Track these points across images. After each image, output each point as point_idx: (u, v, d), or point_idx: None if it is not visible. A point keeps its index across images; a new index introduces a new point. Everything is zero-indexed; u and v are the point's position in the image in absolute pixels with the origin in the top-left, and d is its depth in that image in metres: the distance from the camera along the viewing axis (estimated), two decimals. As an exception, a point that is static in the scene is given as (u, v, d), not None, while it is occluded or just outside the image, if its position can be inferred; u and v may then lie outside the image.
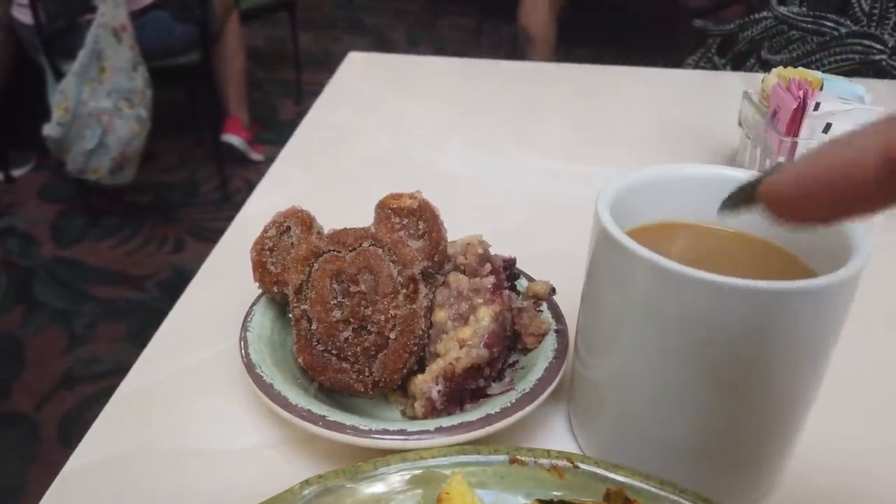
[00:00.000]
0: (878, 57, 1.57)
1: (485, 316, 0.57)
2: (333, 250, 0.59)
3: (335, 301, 0.58)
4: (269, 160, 1.09)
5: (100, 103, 2.88)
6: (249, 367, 0.57)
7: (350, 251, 0.59)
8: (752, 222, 0.56)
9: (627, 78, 1.52)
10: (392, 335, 0.57)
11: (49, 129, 2.91)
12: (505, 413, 0.54)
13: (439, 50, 5.37)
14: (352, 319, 0.58)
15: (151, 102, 3.04)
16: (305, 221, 0.62)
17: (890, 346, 0.72)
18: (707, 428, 0.51)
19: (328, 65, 4.55)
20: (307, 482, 0.49)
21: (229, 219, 0.91)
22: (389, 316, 0.57)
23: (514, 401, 0.55)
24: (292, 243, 0.61)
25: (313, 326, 0.58)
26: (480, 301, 0.58)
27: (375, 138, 1.19)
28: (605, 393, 0.55)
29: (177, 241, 3.20)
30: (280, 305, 0.65)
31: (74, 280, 2.97)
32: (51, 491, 0.54)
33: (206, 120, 3.69)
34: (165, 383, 0.65)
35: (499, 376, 0.60)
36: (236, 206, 0.95)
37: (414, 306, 0.58)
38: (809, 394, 0.51)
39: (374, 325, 0.57)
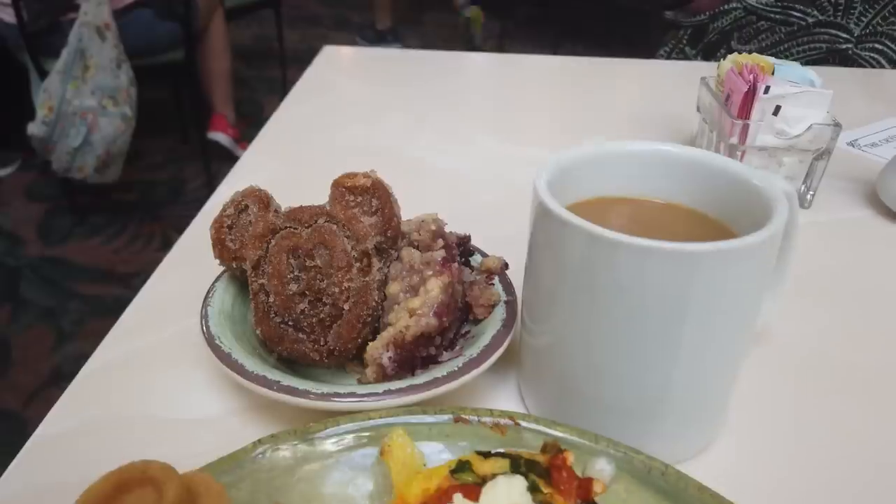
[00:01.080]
0: (844, 46, 1.60)
1: (434, 287, 0.60)
2: (290, 227, 0.62)
3: (292, 275, 0.61)
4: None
5: (84, 102, 2.89)
6: (209, 339, 0.60)
7: (306, 227, 0.62)
8: (684, 193, 0.59)
9: (600, 69, 1.55)
10: (346, 306, 0.60)
11: (34, 128, 2.91)
12: (451, 377, 0.56)
13: (426, 46, 5.40)
14: (307, 292, 0.60)
15: (136, 101, 3.05)
16: (263, 200, 0.64)
17: (823, 314, 0.76)
18: (642, 386, 0.53)
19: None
20: (259, 441, 0.52)
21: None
22: (343, 288, 0.60)
23: (461, 365, 0.57)
24: (250, 221, 0.64)
25: (270, 299, 0.61)
26: (430, 273, 0.61)
27: (346, 128, 1.22)
28: (548, 357, 0.58)
29: (164, 238, 3.22)
30: (240, 283, 0.67)
31: (61, 278, 2.98)
32: (18, 459, 0.56)
33: (192, 118, 3.70)
34: (131, 358, 0.67)
35: (451, 345, 0.63)
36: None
37: (367, 279, 0.60)
38: (738, 349, 0.54)
39: (329, 297, 0.60)
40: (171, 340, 0.70)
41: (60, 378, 2.56)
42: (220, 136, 3.57)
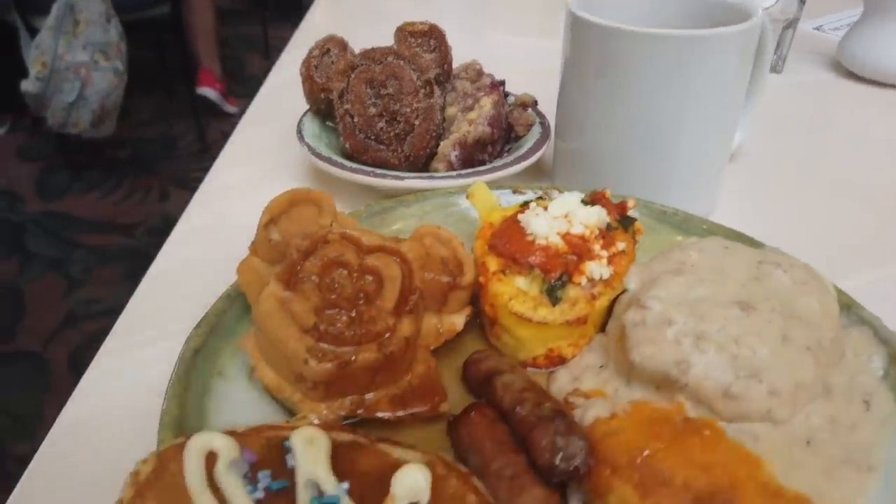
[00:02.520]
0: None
1: (486, 103, 0.75)
2: (365, 63, 0.77)
3: (370, 101, 0.75)
4: (243, 113, 1.12)
5: (76, 57, 2.95)
6: (301, 138, 0.75)
7: (378, 63, 0.76)
8: (687, 18, 0.75)
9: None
10: (417, 122, 0.75)
11: (27, 85, 2.97)
12: (503, 166, 0.72)
13: None
14: (384, 113, 0.75)
15: (126, 56, 3.12)
16: (341, 44, 0.79)
17: (792, 145, 0.93)
18: (654, 156, 0.70)
19: (293, 19, 4.62)
20: (375, 203, 0.67)
21: (208, 169, 0.93)
22: (413, 108, 0.75)
23: (510, 160, 0.73)
24: (332, 61, 0.78)
25: (355, 120, 0.76)
26: (482, 94, 0.76)
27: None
28: (578, 154, 0.74)
29: (161, 191, 3.31)
30: (320, 119, 0.82)
31: (64, 231, 3.06)
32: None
33: (178, 76, 3.76)
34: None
35: (499, 155, 0.79)
36: (214, 157, 0.95)
37: (431, 101, 0.75)
38: (727, 125, 0.71)
39: (402, 116, 0.75)
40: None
41: (75, 320, 2.67)
42: (209, 91, 3.64)
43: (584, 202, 0.60)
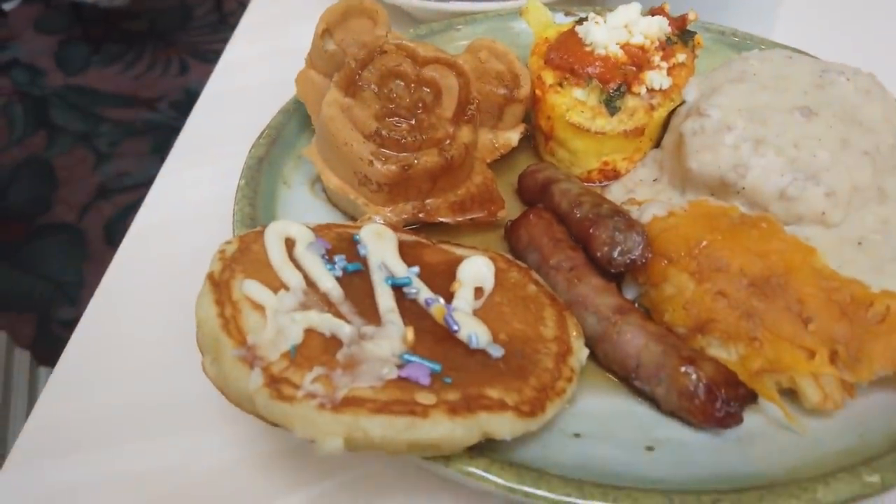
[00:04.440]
0: None
1: None
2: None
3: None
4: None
5: (85, -82, 2.82)
6: None
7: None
8: None
9: None
10: None
11: (38, -50, 2.86)
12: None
13: None
14: None
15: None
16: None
17: None
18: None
19: None
20: (423, 26, 0.66)
21: (227, 40, 0.92)
22: None
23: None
24: None
25: None
26: None
27: None
28: None
29: (181, 63, 3.25)
30: None
31: (89, 105, 3.05)
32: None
33: (190, -58, 3.59)
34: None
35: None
36: (233, 27, 0.92)
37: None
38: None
39: None
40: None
41: (108, 192, 2.71)
42: (223, -41, 3.48)
43: (644, 14, 0.58)
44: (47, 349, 1.98)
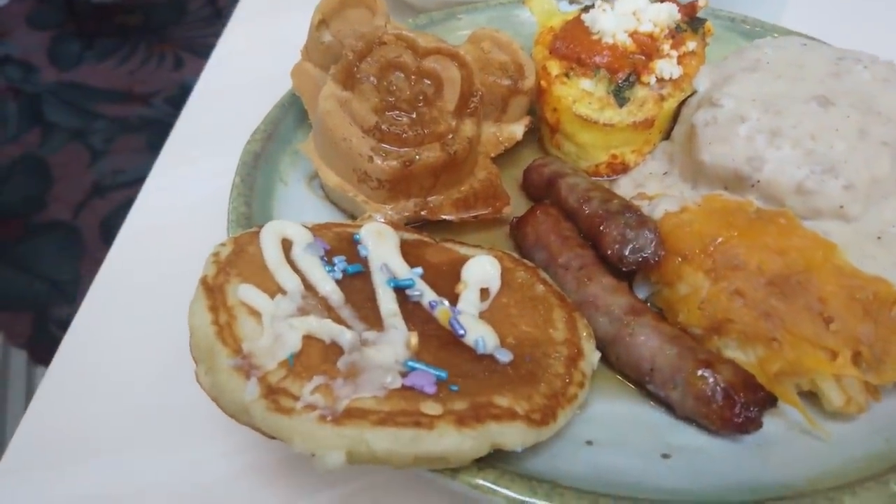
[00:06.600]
0: None
1: None
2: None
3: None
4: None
5: (76, -89, 2.78)
6: None
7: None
8: None
9: None
10: None
11: (28, -56, 2.82)
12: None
13: None
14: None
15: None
16: None
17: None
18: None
19: None
20: (423, 16, 0.63)
21: (220, 35, 0.89)
22: None
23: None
24: None
25: None
26: None
27: None
28: None
29: (176, 58, 3.22)
30: None
31: (83, 101, 3.02)
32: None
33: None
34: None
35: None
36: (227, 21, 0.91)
37: None
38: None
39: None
40: None
41: (102, 190, 2.69)
42: (216, -49, 3.45)
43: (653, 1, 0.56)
44: (44, 348, 1.96)
